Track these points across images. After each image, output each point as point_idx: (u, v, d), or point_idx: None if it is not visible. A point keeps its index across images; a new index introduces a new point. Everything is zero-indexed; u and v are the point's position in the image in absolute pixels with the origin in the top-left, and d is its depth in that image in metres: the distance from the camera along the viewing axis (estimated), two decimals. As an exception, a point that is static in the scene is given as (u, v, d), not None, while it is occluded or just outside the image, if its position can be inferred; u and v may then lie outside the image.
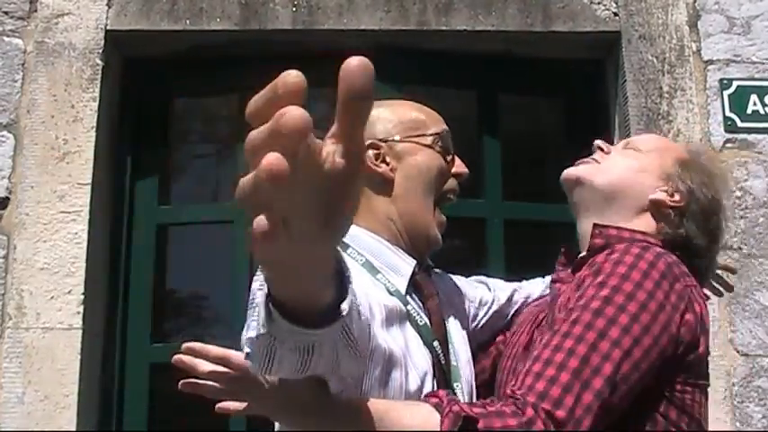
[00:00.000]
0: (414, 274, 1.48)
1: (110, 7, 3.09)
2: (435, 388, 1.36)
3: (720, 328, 2.80)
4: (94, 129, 2.96)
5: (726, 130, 3.02)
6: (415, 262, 1.48)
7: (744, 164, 3.00)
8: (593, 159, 1.55)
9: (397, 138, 1.49)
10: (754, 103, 3.04)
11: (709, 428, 1.40)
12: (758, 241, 2.93)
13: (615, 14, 3.14)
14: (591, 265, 1.37)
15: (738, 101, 3.04)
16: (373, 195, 1.48)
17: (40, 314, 2.79)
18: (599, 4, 3.15)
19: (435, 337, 1.42)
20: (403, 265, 1.47)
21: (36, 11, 3.08)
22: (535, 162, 3.89)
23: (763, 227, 2.94)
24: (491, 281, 1.78)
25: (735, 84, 3.05)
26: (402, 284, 1.45)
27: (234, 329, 3.05)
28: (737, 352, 2.80)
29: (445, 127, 1.55)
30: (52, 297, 2.81)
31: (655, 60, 3.08)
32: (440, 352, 1.41)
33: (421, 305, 1.47)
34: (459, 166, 1.56)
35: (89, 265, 2.86)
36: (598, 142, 1.57)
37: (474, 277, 1.78)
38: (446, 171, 1.52)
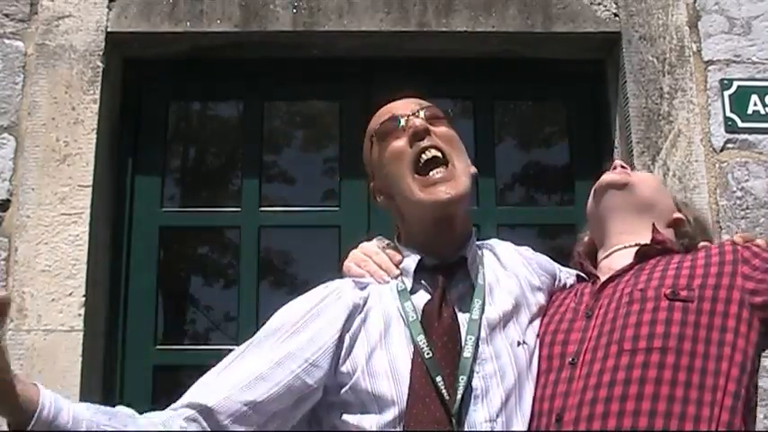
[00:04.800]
0: (423, 268, 1.55)
1: (110, 9, 3.09)
2: (411, 383, 1.41)
3: (722, 328, 2.79)
4: (95, 131, 2.96)
5: (726, 131, 3.02)
6: (418, 257, 1.55)
7: (744, 164, 3.00)
8: (625, 172, 1.73)
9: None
10: (755, 104, 3.04)
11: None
12: (759, 241, 2.92)
13: (615, 15, 3.14)
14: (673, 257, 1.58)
15: (739, 101, 3.04)
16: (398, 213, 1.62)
17: (42, 316, 2.79)
18: (599, 4, 3.16)
19: (420, 332, 1.46)
20: (408, 263, 1.56)
21: (36, 13, 3.08)
22: (535, 163, 3.89)
23: (763, 227, 2.93)
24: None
25: (735, 84, 3.05)
26: (409, 283, 1.55)
27: (237, 332, 3.05)
28: (739, 352, 2.80)
29: (380, 120, 1.60)
30: (53, 299, 2.81)
31: (655, 61, 3.08)
32: (423, 346, 1.44)
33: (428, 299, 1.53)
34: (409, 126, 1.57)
35: (90, 267, 2.86)
36: (620, 161, 1.77)
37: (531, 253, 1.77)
38: (398, 150, 1.55)
